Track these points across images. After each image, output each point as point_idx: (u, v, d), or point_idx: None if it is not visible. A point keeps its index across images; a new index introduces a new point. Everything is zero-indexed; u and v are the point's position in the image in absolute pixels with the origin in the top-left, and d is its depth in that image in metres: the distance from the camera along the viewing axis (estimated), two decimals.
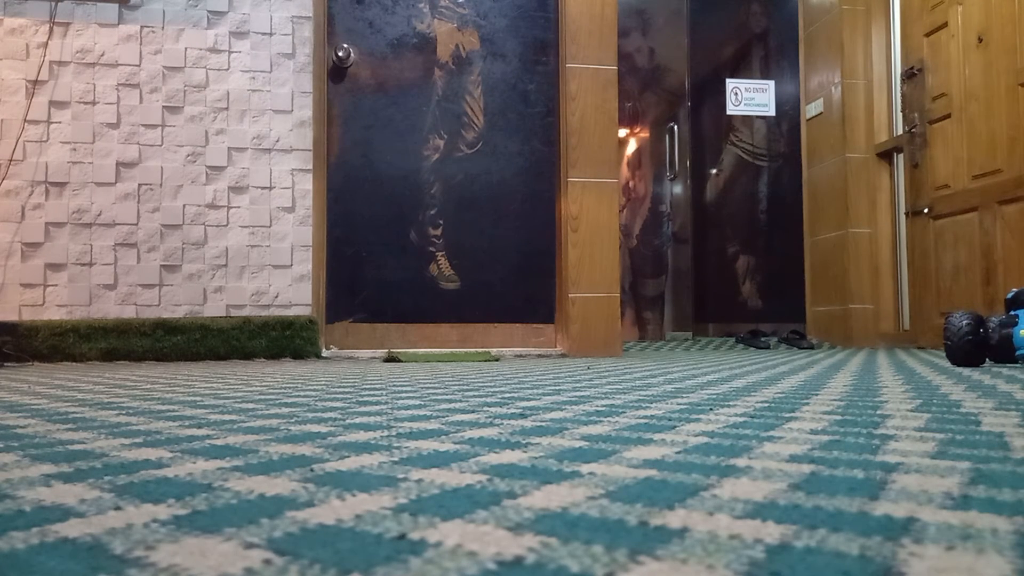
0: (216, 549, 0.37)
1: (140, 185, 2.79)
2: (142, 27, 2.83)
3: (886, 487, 0.50)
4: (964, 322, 1.97)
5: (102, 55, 2.79)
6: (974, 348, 1.96)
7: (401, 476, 0.55)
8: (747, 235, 4.40)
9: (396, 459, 0.62)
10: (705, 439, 0.72)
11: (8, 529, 0.41)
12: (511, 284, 3.15)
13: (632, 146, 4.32)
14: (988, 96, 3.17)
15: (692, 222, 4.37)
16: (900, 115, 3.91)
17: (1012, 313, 1.97)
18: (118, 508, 0.46)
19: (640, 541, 0.37)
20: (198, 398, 1.22)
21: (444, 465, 0.59)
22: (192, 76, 2.85)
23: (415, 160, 3.09)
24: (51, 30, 2.75)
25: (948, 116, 3.45)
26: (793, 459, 0.61)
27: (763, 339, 3.95)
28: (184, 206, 2.82)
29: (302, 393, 1.30)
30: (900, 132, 3.91)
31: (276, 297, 2.87)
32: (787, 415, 0.91)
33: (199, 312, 2.81)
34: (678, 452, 0.65)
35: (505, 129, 3.17)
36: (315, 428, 0.83)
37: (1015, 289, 2.06)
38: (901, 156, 3.93)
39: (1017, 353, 1.88)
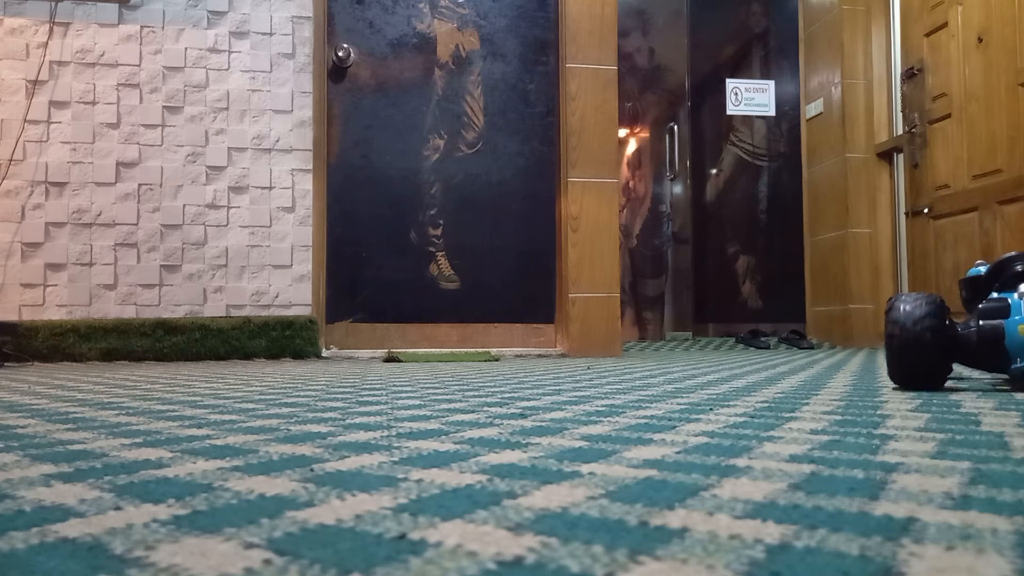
0: (216, 549, 0.37)
1: (140, 185, 2.79)
2: (142, 27, 2.82)
3: (886, 487, 0.50)
4: (920, 309, 1.22)
5: (102, 55, 2.79)
6: (937, 354, 1.21)
7: (401, 476, 0.55)
8: (747, 235, 4.40)
9: (396, 459, 0.62)
10: (705, 439, 0.72)
11: (8, 529, 0.41)
12: (511, 284, 3.15)
13: (632, 146, 4.32)
14: (988, 96, 3.17)
15: (692, 222, 4.37)
16: (900, 115, 3.91)
17: (999, 296, 1.27)
18: (118, 508, 0.46)
19: (640, 541, 0.37)
20: (198, 398, 1.22)
21: (444, 465, 0.59)
22: (192, 76, 2.85)
23: (415, 160, 3.09)
24: (51, 30, 2.75)
25: (948, 116, 3.45)
26: (793, 459, 0.61)
27: (763, 339, 3.95)
28: (184, 206, 2.82)
29: (302, 393, 1.30)
30: (900, 132, 3.91)
31: (276, 297, 2.87)
32: (787, 415, 0.91)
33: (199, 312, 2.81)
34: (678, 452, 0.65)
35: (505, 129, 3.17)
36: (315, 428, 0.83)
37: (979, 263, 1.40)
38: (901, 156, 3.93)
39: (1013, 367, 1.20)
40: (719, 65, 4.43)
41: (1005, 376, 1.40)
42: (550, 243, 3.18)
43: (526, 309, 3.16)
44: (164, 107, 2.83)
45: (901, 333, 1.23)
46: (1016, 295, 1.23)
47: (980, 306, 1.26)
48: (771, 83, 4.43)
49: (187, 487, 0.52)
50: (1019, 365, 1.20)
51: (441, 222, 3.11)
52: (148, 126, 2.81)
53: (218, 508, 0.46)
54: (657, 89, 4.36)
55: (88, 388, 1.47)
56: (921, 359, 1.23)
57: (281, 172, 2.90)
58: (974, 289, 1.36)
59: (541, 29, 3.22)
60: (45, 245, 2.71)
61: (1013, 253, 1.31)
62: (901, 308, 1.24)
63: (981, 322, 1.23)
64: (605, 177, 3.08)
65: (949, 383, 1.40)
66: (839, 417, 0.89)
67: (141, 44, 2.82)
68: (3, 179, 2.69)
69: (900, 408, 0.99)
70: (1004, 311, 1.23)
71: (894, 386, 1.33)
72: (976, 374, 1.63)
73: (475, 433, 0.78)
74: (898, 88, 3.98)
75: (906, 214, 3.80)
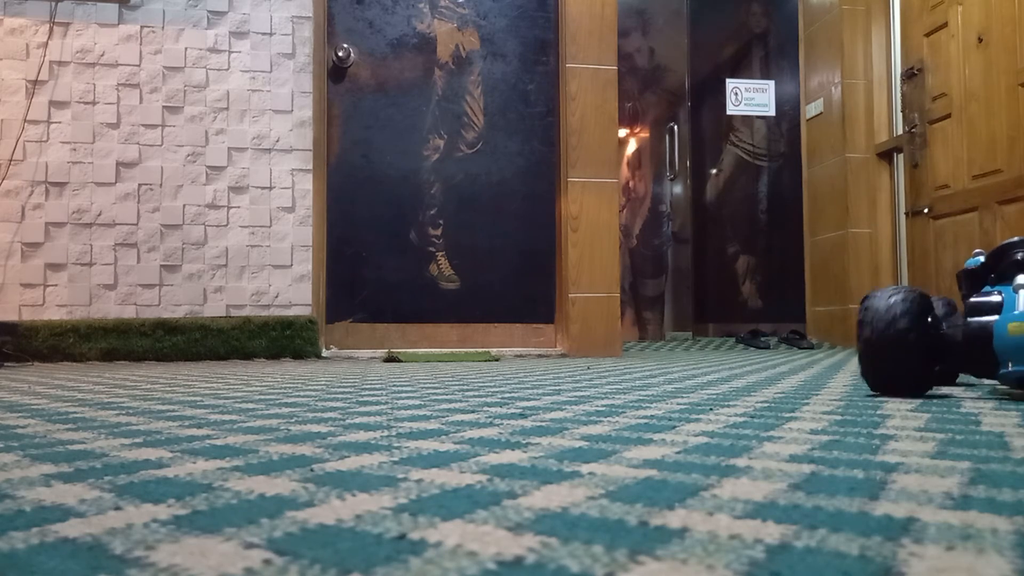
0: (216, 549, 0.37)
1: (140, 185, 2.79)
2: (142, 27, 2.82)
3: (886, 487, 0.50)
4: (897, 305, 1.08)
5: (102, 55, 2.79)
6: (916, 357, 1.07)
7: (401, 476, 0.55)
8: (747, 235, 4.39)
9: (396, 459, 0.62)
10: (705, 439, 0.72)
11: (8, 529, 0.41)
12: (511, 284, 3.15)
13: (632, 146, 4.32)
14: (988, 96, 3.17)
15: (692, 222, 4.37)
16: (900, 115, 3.91)
17: (991, 289, 1.12)
18: (118, 508, 0.46)
19: (640, 541, 0.37)
20: (198, 398, 1.22)
21: (444, 465, 0.59)
22: (192, 76, 2.85)
23: (415, 160, 3.09)
24: (51, 30, 2.75)
25: (948, 116, 3.45)
26: (793, 459, 0.61)
27: (763, 339, 3.95)
28: (184, 206, 2.82)
29: (302, 393, 1.30)
30: (900, 132, 3.91)
31: (276, 297, 2.87)
32: (787, 415, 0.91)
33: (199, 312, 2.81)
34: (678, 452, 0.65)
35: (505, 129, 3.17)
36: (315, 428, 0.83)
37: (978, 252, 1.21)
38: (901, 156, 3.93)
39: (1002, 372, 1.06)
40: (719, 65, 4.43)
41: (996, 382, 1.25)
42: (550, 243, 3.18)
43: (526, 309, 3.15)
44: (164, 107, 2.83)
45: (873, 332, 1.08)
46: (1012, 288, 1.06)
47: (969, 301, 1.12)
48: (771, 83, 4.43)
49: (187, 487, 0.52)
50: (1008, 370, 1.03)
51: (441, 222, 3.11)
52: (148, 126, 2.81)
53: (218, 508, 0.46)
54: (657, 89, 4.36)
55: (88, 388, 1.47)
56: (898, 362, 1.08)
57: (281, 172, 2.90)
58: (971, 282, 1.19)
59: (541, 29, 3.22)
60: (45, 245, 2.71)
61: (1015, 239, 1.13)
62: (875, 304, 1.10)
63: (968, 319, 1.09)
64: (605, 177, 3.08)
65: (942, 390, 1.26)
66: (839, 417, 0.89)
67: (141, 44, 2.82)
68: (3, 179, 2.69)
69: (900, 408, 0.99)
70: (995, 307, 1.07)
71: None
72: (971, 378, 1.59)
73: (475, 433, 0.78)
74: (898, 88, 3.98)
75: (906, 214, 3.80)
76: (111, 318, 2.72)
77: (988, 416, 0.90)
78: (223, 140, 2.86)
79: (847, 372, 1.78)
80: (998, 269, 1.14)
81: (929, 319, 1.09)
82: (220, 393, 1.32)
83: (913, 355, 1.08)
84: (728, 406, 1.02)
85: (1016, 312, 1.04)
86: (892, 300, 1.09)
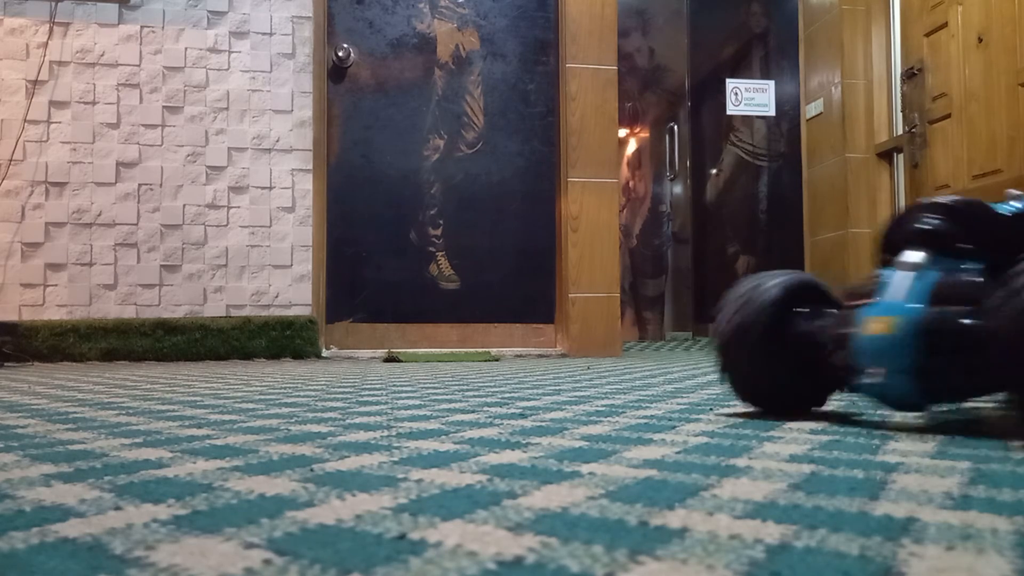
0: (216, 549, 0.37)
1: (140, 185, 2.79)
2: (142, 27, 2.82)
3: (886, 487, 0.50)
4: (756, 291, 0.85)
5: (102, 55, 2.79)
6: (768, 361, 0.85)
7: (401, 476, 0.55)
8: (747, 235, 4.39)
9: (396, 459, 0.62)
10: (705, 439, 0.72)
11: (8, 529, 0.41)
12: (511, 284, 3.15)
13: (632, 146, 4.32)
14: (988, 96, 3.17)
15: (692, 222, 4.37)
16: (900, 115, 3.91)
17: (876, 273, 0.83)
18: (118, 508, 0.46)
19: (640, 541, 0.37)
20: (198, 398, 1.22)
21: (444, 465, 0.59)
22: (192, 76, 2.85)
23: (415, 160, 3.09)
24: (51, 30, 2.75)
25: (948, 116, 3.45)
26: (793, 459, 0.61)
27: None
28: (184, 206, 2.82)
29: (302, 393, 1.30)
30: (900, 132, 3.91)
31: (276, 297, 2.87)
32: (787, 415, 0.91)
33: (199, 312, 2.81)
34: (678, 452, 0.65)
35: (505, 129, 3.17)
36: (315, 428, 0.83)
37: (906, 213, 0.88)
38: (901, 156, 3.93)
39: (858, 383, 0.80)
40: (719, 65, 4.42)
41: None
42: (550, 243, 3.17)
43: (526, 309, 3.15)
44: (164, 107, 2.83)
45: (719, 327, 0.86)
46: (895, 267, 0.79)
47: (847, 286, 0.88)
48: (771, 83, 4.43)
49: (187, 487, 0.52)
50: (862, 381, 0.78)
51: (441, 222, 3.11)
52: (148, 126, 2.81)
53: (218, 508, 0.46)
54: (657, 89, 4.36)
55: (88, 388, 1.47)
56: (745, 366, 0.84)
57: (281, 172, 2.90)
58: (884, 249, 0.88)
59: (541, 29, 3.22)
60: (45, 245, 2.71)
61: (922, 200, 0.84)
62: (732, 292, 0.87)
63: (838, 311, 0.84)
64: (605, 177, 3.08)
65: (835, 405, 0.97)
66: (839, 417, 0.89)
67: (141, 44, 2.82)
68: (3, 179, 2.69)
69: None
70: (868, 296, 0.79)
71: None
72: None
73: (475, 433, 0.78)
74: (898, 88, 3.98)
75: None
76: (111, 318, 2.72)
77: (988, 416, 0.90)
78: (223, 140, 2.86)
79: None
80: (892, 245, 0.84)
81: (807, 310, 0.85)
82: (220, 393, 1.32)
83: (758, 358, 0.83)
84: (728, 406, 1.02)
85: (877, 302, 0.76)
86: (749, 287, 0.85)
